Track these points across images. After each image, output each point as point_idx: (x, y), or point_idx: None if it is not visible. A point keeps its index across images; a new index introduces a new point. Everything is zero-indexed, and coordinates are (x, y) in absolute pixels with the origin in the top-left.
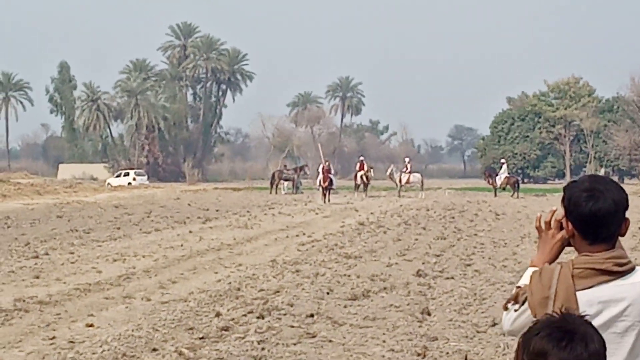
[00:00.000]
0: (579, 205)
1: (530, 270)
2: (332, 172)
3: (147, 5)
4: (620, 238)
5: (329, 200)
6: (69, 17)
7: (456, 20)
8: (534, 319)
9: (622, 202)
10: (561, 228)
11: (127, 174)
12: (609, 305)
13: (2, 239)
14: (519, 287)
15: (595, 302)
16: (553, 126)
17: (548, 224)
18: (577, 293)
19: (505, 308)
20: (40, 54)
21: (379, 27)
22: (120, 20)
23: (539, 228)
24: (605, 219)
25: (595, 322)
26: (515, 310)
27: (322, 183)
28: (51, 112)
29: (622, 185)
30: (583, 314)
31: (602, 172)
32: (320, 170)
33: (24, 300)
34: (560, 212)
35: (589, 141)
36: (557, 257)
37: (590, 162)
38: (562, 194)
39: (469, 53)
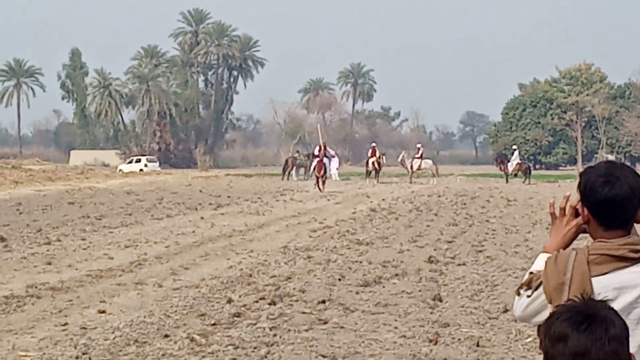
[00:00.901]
0: (595, 190)
1: (542, 256)
2: (331, 153)
3: None
4: (636, 225)
5: (323, 185)
6: (80, 3)
7: (468, 5)
8: (549, 305)
9: (638, 189)
10: (576, 215)
11: (138, 161)
12: (624, 291)
13: (14, 226)
14: (531, 272)
15: (610, 288)
16: (565, 112)
17: (562, 210)
18: (593, 279)
19: (518, 293)
20: (52, 40)
21: (390, 13)
22: (131, 6)
23: (552, 214)
24: (621, 205)
25: None
26: (528, 296)
27: (316, 172)
28: (63, 98)
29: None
30: (604, 299)
31: (613, 158)
32: (315, 152)
33: (36, 287)
34: (575, 198)
35: (600, 127)
36: (570, 243)
37: (602, 148)
38: (575, 180)
39: (480, 39)
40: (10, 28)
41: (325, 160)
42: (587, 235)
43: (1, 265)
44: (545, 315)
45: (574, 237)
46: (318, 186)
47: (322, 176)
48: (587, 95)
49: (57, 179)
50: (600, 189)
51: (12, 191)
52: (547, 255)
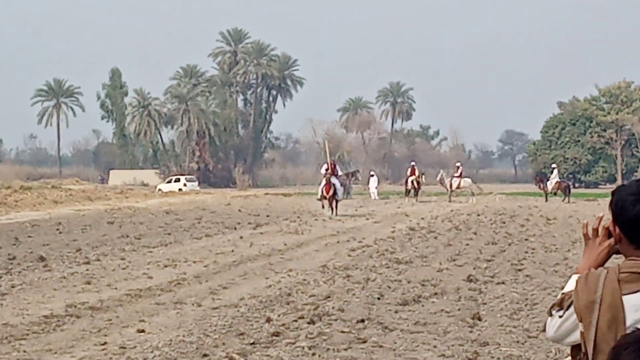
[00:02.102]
0: (626, 209)
1: (574, 277)
2: (338, 173)
3: (198, 11)
4: None
5: (336, 213)
6: (120, 24)
7: (506, 26)
8: (580, 324)
9: None
10: (609, 236)
11: (177, 180)
12: None
13: (54, 245)
14: (563, 293)
15: None
16: (604, 131)
17: (595, 231)
18: (623, 297)
19: (550, 314)
20: (91, 60)
21: (429, 33)
22: (170, 26)
23: (585, 235)
24: None
25: None
26: (560, 317)
27: (324, 193)
28: (102, 118)
29: None
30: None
31: None
32: (323, 171)
33: (75, 306)
34: (608, 219)
35: None
36: (603, 264)
37: None
38: (610, 198)
39: (519, 58)
40: (50, 48)
41: (334, 180)
42: (619, 256)
43: (41, 285)
44: (576, 335)
45: (606, 258)
46: (330, 207)
47: (331, 198)
48: (627, 113)
49: (97, 198)
50: (631, 207)
51: (52, 211)
52: (578, 276)
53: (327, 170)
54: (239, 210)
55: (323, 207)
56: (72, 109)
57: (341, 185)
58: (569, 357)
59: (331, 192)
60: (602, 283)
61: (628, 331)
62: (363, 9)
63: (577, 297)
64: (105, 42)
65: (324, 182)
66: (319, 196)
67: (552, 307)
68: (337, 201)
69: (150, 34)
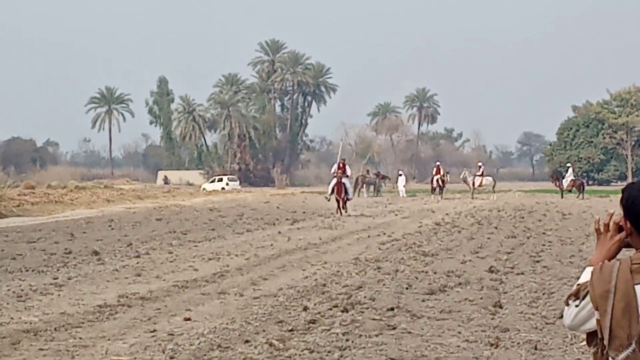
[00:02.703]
0: (636, 204)
1: (589, 269)
2: (348, 172)
3: (238, 23)
4: None
5: (346, 211)
6: (166, 34)
7: (523, 36)
8: (595, 312)
9: None
10: (619, 230)
11: (220, 180)
12: None
13: (107, 240)
14: (579, 284)
15: None
16: (615, 132)
17: (607, 226)
18: (635, 286)
19: (567, 304)
20: (140, 69)
21: (452, 42)
22: (213, 37)
23: (597, 230)
24: None
25: None
26: (576, 306)
27: (336, 194)
28: (150, 123)
29: None
30: None
31: None
32: (333, 170)
33: (127, 296)
34: (619, 215)
35: None
36: (614, 257)
37: None
38: (621, 195)
39: (536, 64)
40: (102, 58)
41: (344, 179)
42: (628, 249)
43: (95, 277)
44: (593, 322)
45: (617, 251)
46: (339, 206)
47: (343, 198)
48: (637, 116)
49: (146, 197)
50: None
51: (104, 209)
52: (592, 268)
53: (337, 169)
54: (277, 208)
55: (329, 200)
56: (122, 114)
57: (371, 184)
58: (585, 342)
59: (343, 193)
60: (616, 274)
61: None
62: (390, 21)
63: (593, 287)
64: (152, 52)
65: (334, 181)
66: (328, 195)
67: (568, 297)
68: (347, 200)
69: (195, 45)
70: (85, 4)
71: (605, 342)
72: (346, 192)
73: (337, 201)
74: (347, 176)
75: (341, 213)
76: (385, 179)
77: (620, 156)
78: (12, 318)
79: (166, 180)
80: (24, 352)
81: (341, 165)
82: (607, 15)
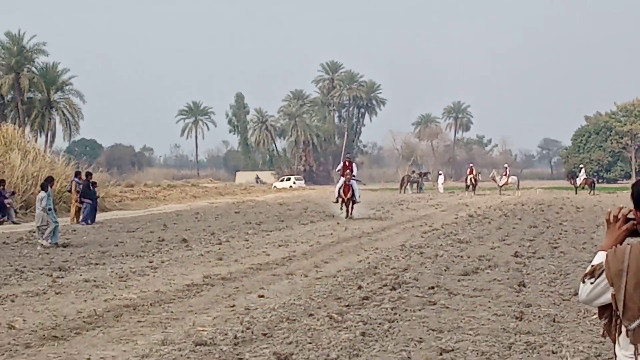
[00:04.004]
0: None
1: (600, 253)
2: (355, 171)
3: (304, 47)
4: None
5: (351, 215)
6: (243, 56)
7: (543, 55)
8: (610, 287)
9: None
10: (625, 222)
11: (288, 179)
12: None
13: (193, 230)
14: (592, 265)
15: None
16: (621, 138)
17: (616, 217)
18: None
19: (583, 281)
20: (221, 86)
21: (482, 60)
22: (281, 59)
23: (608, 220)
24: None
25: None
26: (592, 283)
27: (342, 194)
28: (230, 131)
29: None
30: None
31: None
32: (339, 169)
33: (210, 277)
34: (626, 209)
35: None
36: (621, 243)
37: None
38: (630, 190)
39: (554, 79)
40: (189, 76)
41: (352, 181)
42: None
43: (184, 261)
44: (606, 297)
45: (623, 239)
46: (347, 209)
47: (349, 200)
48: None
49: (226, 194)
50: None
51: (191, 203)
52: (604, 252)
53: (343, 168)
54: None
55: (341, 208)
56: (206, 124)
57: (415, 182)
58: (595, 316)
59: (349, 194)
60: (628, 255)
61: None
62: (430, 45)
63: (608, 266)
64: (231, 72)
65: (341, 182)
66: (335, 198)
67: (584, 276)
68: (354, 202)
69: (267, 65)
70: (177, 35)
71: (620, 313)
72: (353, 194)
73: (343, 200)
74: (354, 176)
75: (347, 215)
76: (427, 174)
77: (625, 158)
78: (115, 295)
79: (258, 180)
80: (125, 324)
81: (347, 163)
82: (617, 37)
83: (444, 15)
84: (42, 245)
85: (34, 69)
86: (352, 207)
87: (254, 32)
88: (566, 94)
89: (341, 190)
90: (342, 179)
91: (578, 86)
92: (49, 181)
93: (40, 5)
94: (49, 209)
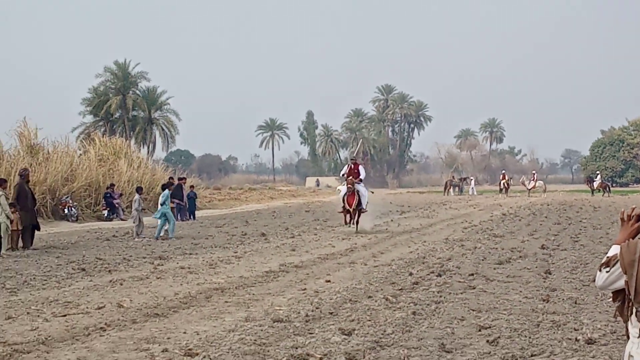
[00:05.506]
0: None
1: (615, 247)
2: (362, 175)
3: (362, 72)
4: None
5: (356, 224)
6: (313, 79)
7: (566, 77)
8: (624, 275)
9: None
10: (637, 220)
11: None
12: None
13: (271, 226)
14: (608, 257)
15: None
16: (632, 149)
17: (629, 216)
18: None
19: (600, 270)
20: (294, 105)
21: (512, 80)
22: (345, 82)
23: (622, 219)
24: None
25: None
26: (607, 272)
27: (346, 202)
28: (301, 143)
29: None
30: None
31: None
32: (344, 173)
33: (285, 265)
34: (638, 209)
35: None
36: (633, 238)
37: None
38: (639, 193)
39: (574, 98)
40: (267, 97)
41: (358, 187)
42: None
43: (263, 251)
44: (620, 283)
45: (636, 234)
46: (352, 220)
47: (354, 210)
48: None
49: (298, 195)
50: None
51: (269, 204)
52: (617, 246)
53: (348, 173)
54: (390, 203)
55: (345, 222)
56: (281, 137)
57: (456, 186)
58: (611, 299)
59: (355, 203)
60: (639, 248)
61: None
62: (467, 67)
63: (622, 257)
64: (302, 93)
65: (344, 189)
66: (340, 208)
67: (601, 265)
68: (360, 212)
69: (332, 87)
70: (257, 62)
71: (632, 297)
72: (360, 203)
73: (347, 212)
74: (361, 180)
75: (350, 224)
76: (466, 179)
77: (636, 166)
78: (205, 280)
79: (318, 183)
80: (214, 304)
81: (352, 167)
82: (628, 62)
83: (478, 44)
84: (138, 238)
85: (137, 91)
86: (359, 217)
87: (322, 59)
88: (585, 111)
89: (345, 200)
90: (345, 187)
91: (595, 104)
92: (167, 185)
93: (144, 39)
94: (167, 208)
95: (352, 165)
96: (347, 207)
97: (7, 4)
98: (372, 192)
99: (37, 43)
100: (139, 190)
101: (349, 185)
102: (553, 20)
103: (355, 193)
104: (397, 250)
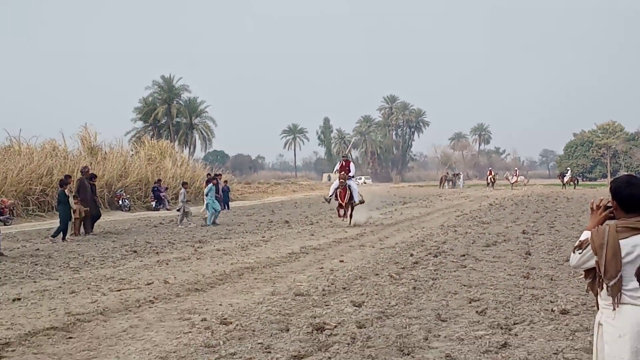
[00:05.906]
0: (620, 191)
1: (586, 232)
2: (352, 171)
3: (370, 84)
4: None
5: (350, 218)
6: (328, 90)
7: (543, 88)
8: (594, 256)
9: None
10: (605, 209)
11: (360, 178)
12: (638, 248)
13: (293, 214)
14: (580, 240)
15: (630, 245)
16: (600, 149)
17: (598, 206)
18: (620, 241)
19: (573, 252)
20: (313, 112)
21: (499, 91)
22: (356, 93)
23: (592, 208)
24: (637, 198)
25: (630, 257)
26: (580, 253)
27: (339, 199)
28: (318, 144)
29: None
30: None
31: (632, 173)
32: (336, 170)
33: (305, 248)
34: (605, 199)
35: (620, 157)
36: (602, 224)
37: (621, 169)
38: (605, 187)
39: (551, 106)
40: (291, 104)
41: (350, 182)
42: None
43: (286, 236)
44: (590, 263)
45: (603, 221)
46: (345, 214)
47: (346, 205)
48: (613, 139)
49: (316, 189)
50: (624, 190)
51: (291, 196)
52: (588, 231)
53: (340, 170)
54: (394, 195)
55: (328, 202)
56: (302, 140)
57: (450, 180)
58: (582, 276)
59: (347, 198)
60: (607, 233)
61: (623, 260)
62: (461, 78)
63: (593, 241)
64: (321, 102)
65: (336, 183)
66: (328, 197)
67: (574, 248)
68: (352, 207)
69: (345, 96)
70: (283, 74)
71: (601, 274)
72: (351, 197)
73: (340, 206)
74: (352, 177)
75: (343, 218)
76: (458, 175)
77: (602, 164)
78: (238, 260)
79: (330, 178)
80: (245, 280)
81: (344, 164)
82: (600, 73)
83: (470, 59)
84: (186, 224)
85: (180, 101)
86: (352, 211)
87: (336, 73)
88: (560, 116)
89: (338, 194)
90: (337, 181)
91: (569, 111)
92: (211, 179)
93: (187, 56)
94: (211, 199)
95: (344, 162)
96: (340, 202)
97: (83, 32)
98: (365, 184)
99: (101, 62)
100: (184, 184)
101: (341, 180)
102: (532, 36)
103: (347, 188)
104: (400, 235)
